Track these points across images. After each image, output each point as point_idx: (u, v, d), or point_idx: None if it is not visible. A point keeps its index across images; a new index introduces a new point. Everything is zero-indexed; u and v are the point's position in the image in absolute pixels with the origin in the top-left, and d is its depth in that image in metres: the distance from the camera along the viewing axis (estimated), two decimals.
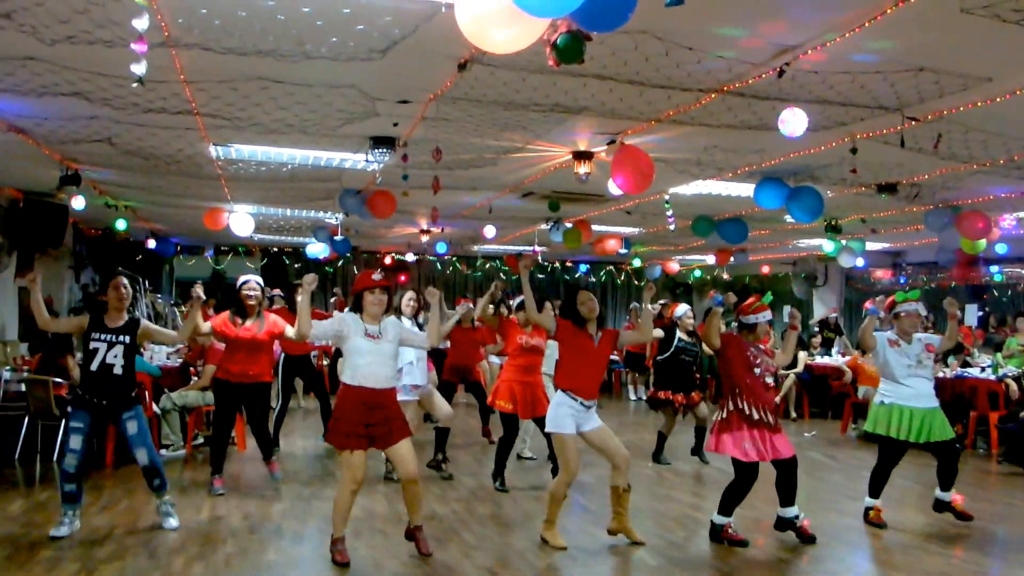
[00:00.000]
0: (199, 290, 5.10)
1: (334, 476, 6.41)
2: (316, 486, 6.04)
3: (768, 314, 4.81)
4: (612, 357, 8.01)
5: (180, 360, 7.89)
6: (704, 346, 7.37)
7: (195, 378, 7.38)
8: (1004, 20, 3.23)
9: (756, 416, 4.58)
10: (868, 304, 5.45)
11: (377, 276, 4.28)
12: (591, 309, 4.60)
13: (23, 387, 6.81)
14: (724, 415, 4.67)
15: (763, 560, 4.51)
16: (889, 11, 3.21)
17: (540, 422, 5.97)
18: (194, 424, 7.40)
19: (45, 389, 6.61)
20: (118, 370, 4.65)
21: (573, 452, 4.49)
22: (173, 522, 4.74)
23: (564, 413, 4.51)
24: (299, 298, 4.29)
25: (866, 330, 5.15)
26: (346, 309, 4.92)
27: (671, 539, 4.85)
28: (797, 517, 4.75)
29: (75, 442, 4.57)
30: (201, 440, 7.56)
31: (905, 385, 5.03)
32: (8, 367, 7.42)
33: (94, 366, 4.61)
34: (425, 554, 4.26)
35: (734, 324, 4.92)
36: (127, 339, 4.70)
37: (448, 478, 6.32)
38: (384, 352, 4.17)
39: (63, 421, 4.75)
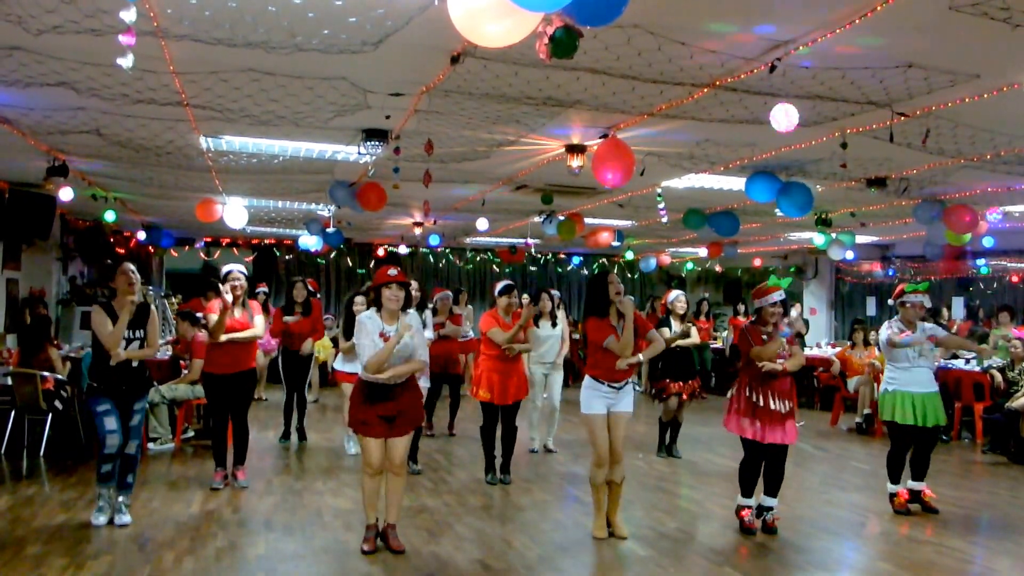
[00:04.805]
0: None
1: (325, 469, 6.42)
2: (307, 480, 6.04)
3: (774, 296, 4.88)
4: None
5: (170, 353, 7.85)
6: (695, 335, 7.48)
7: (185, 371, 7.35)
8: (992, 18, 3.25)
9: (761, 402, 4.74)
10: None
11: (393, 272, 4.36)
12: (618, 291, 4.67)
13: (9, 381, 6.75)
14: (734, 395, 4.89)
15: (752, 550, 4.55)
16: (879, 8, 3.23)
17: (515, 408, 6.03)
18: (183, 418, 7.38)
19: (32, 383, 6.56)
20: (135, 363, 4.74)
21: (601, 433, 4.58)
22: (126, 519, 4.70)
23: (592, 396, 4.64)
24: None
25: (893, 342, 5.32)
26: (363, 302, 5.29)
27: (661, 530, 4.89)
28: (771, 509, 4.88)
29: (111, 423, 4.61)
30: (191, 434, 7.55)
31: (909, 371, 5.29)
32: None
33: (113, 362, 4.64)
34: (397, 551, 4.27)
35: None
36: (142, 334, 4.76)
37: (418, 473, 6.26)
38: (396, 355, 4.25)
39: (93, 409, 4.67)
